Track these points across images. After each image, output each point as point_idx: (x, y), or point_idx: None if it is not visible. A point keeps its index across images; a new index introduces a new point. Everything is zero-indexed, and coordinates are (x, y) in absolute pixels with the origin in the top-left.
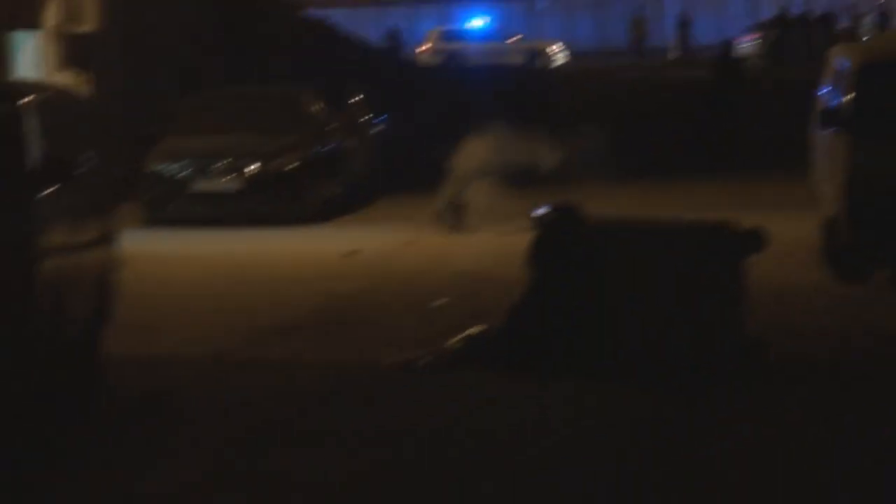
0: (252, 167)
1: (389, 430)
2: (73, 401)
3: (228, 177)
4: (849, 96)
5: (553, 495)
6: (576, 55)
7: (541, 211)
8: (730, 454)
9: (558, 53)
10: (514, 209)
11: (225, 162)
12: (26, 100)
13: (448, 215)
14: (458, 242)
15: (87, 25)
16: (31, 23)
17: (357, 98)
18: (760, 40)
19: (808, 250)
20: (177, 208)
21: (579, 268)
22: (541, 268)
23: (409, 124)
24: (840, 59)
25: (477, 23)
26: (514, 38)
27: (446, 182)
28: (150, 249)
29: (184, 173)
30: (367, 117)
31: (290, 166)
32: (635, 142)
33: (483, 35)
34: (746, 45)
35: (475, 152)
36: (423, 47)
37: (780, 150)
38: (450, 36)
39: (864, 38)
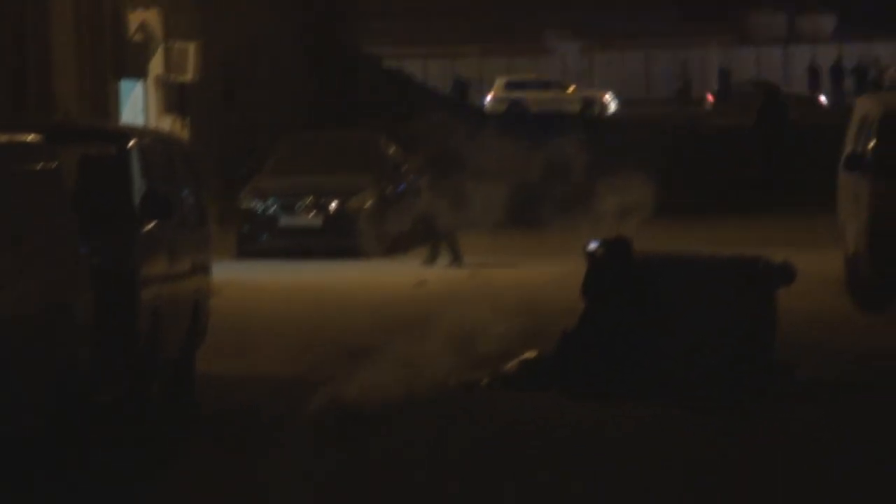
0: (333, 204)
1: (454, 442)
2: (171, 410)
3: (311, 213)
4: (871, 142)
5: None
6: (626, 103)
7: (593, 245)
8: (759, 465)
9: (610, 102)
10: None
11: (308, 200)
12: (132, 142)
13: (448, 253)
14: (516, 274)
15: (188, 75)
16: (138, 72)
17: (428, 141)
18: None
19: (833, 283)
20: (265, 242)
21: (629, 297)
22: (593, 297)
23: (474, 167)
24: (865, 107)
25: (537, 73)
26: (571, 88)
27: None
28: (240, 279)
29: (272, 210)
30: (436, 159)
31: (367, 204)
32: (681, 181)
33: (543, 84)
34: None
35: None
36: (490, 95)
37: (812, 191)
38: (513, 85)
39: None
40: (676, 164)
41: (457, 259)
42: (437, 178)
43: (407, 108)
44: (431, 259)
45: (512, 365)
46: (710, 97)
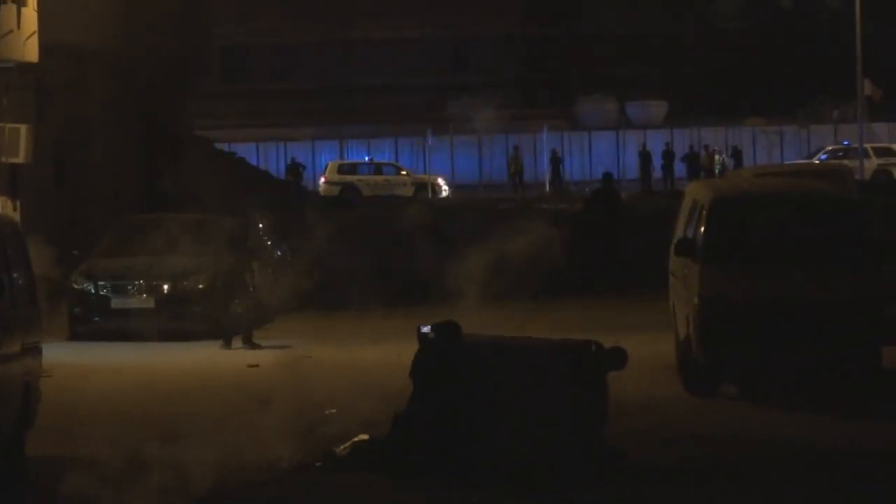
0: (165, 286)
1: None
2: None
3: (144, 295)
4: (701, 228)
5: None
6: (459, 188)
7: (425, 328)
8: None
9: (443, 186)
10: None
11: (140, 281)
12: None
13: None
14: (348, 356)
15: (20, 157)
16: None
17: (262, 224)
18: None
19: (664, 367)
20: (98, 323)
21: (457, 381)
22: (422, 380)
23: (308, 250)
24: (694, 193)
25: (371, 158)
26: (404, 172)
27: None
28: (72, 361)
29: (104, 291)
30: (270, 242)
31: (199, 285)
32: (512, 265)
33: (376, 168)
34: None
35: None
36: (322, 179)
37: (645, 275)
38: (345, 169)
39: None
40: (508, 247)
41: (247, 341)
42: (268, 260)
43: (240, 191)
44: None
45: (345, 447)
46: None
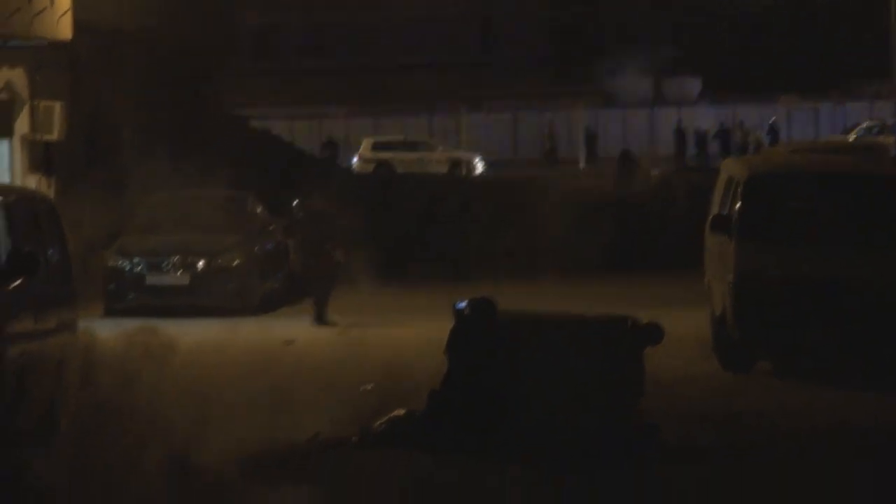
0: (199, 263)
1: (322, 500)
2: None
3: (178, 272)
4: (737, 204)
5: None
6: (493, 165)
7: (461, 304)
8: None
9: (478, 163)
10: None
11: (175, 258)
12: None
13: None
14: (385, 332)
15: (54, 134)
16: (3, 131)
17: (295, 201)
18: None
19: (699, 343)
20: (132, 300)
21: (493, 356)
22: (458, 356)
23: (344, 227)
24: (729, 170)
25: (404, 134)
26: (439, 149)
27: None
28: (107, 337)
29: (139, 268)
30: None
31: (234, 262)
32: (549, 242)
33: (410, 145)
34: None
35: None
36: (356, 156)
37: (682, 251)
38: (380, 146)
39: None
40: (546, 224)
41: (320, 319)
42: (306, 238)
43: (275, 167)
44: (319, 318)
45: (381, 422)
46: None
